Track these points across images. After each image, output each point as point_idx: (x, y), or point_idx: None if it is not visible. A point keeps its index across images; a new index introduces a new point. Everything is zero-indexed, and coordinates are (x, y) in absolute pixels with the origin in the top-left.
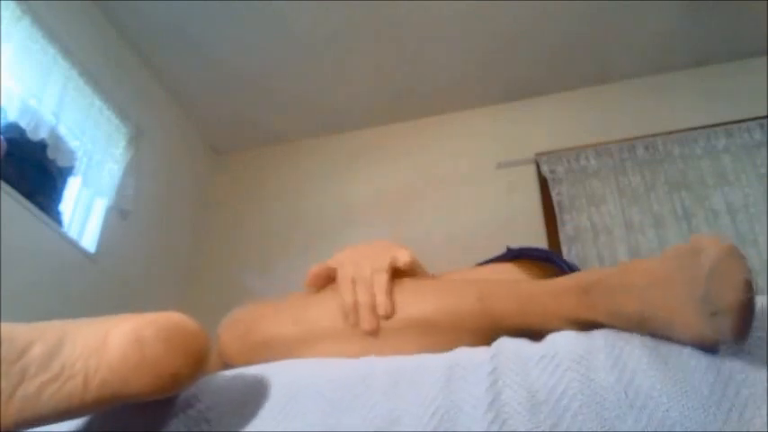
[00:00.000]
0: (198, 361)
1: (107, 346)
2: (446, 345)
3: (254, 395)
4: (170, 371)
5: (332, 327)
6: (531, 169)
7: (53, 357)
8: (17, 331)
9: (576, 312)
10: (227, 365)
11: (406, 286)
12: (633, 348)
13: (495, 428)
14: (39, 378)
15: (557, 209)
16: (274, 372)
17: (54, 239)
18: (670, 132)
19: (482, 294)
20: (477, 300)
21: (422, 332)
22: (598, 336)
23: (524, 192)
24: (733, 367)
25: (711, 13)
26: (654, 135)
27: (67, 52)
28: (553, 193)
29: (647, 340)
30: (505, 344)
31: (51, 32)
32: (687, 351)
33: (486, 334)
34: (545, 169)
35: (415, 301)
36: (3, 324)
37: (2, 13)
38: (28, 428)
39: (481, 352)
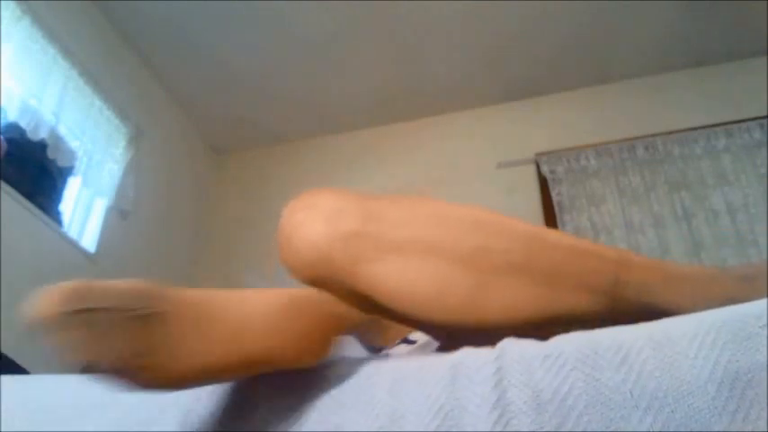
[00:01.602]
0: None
1: (262, 315)
2: (551, 298)
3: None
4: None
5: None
6: (531, 169)
7: (211, 321)
8: (188, 294)
9: (742, 294)
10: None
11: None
12: (639, 348)
13: (500, 428)
14: (196, 338)
15: (557, 209)
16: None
17: (54, 239)
18: (670, 132)
19: (621, 258)
20: (616, 262)
21: (541, 278)
22: (604, 335)
23: (524, 192)
24: (739, 368)
25: (711, 13)
26: (654, 135)
27: (67, 52)
28: (553, 193)
29: (654, 340)
30: (510, 344)
31: (51, 32)
32: (694, 351)
33: (607, 301)
34: (545, 169)
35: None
36: (172, 288)
37: (2, 13)
38: (185, 389)
39: (486, 352)
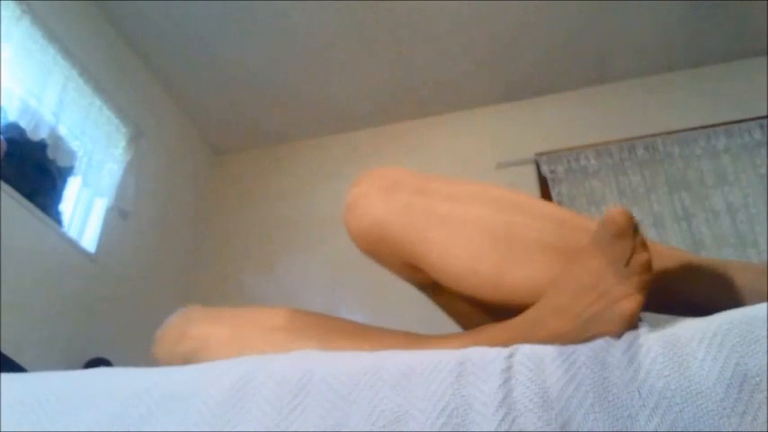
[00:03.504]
0: None
1: None
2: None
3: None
4: None
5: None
6: (531, 169)
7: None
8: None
9: (763, 287)
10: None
11: None
12: (648, 347)
13: (506, 426)
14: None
15: None
16: (284, 362)
17: (54, 239)
18: (670, 132)
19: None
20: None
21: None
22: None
23: (524, 192)
24: (747, 370)
25: (711, 13)
26: (654, 135)
27: (67, 52)
28: (553, 193)
29: (663, 340)
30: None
31: (51, 32)
32: (702, 353)
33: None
34: (545, 169)
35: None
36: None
37: (2, 13)
38: None
39: (496, 349)
